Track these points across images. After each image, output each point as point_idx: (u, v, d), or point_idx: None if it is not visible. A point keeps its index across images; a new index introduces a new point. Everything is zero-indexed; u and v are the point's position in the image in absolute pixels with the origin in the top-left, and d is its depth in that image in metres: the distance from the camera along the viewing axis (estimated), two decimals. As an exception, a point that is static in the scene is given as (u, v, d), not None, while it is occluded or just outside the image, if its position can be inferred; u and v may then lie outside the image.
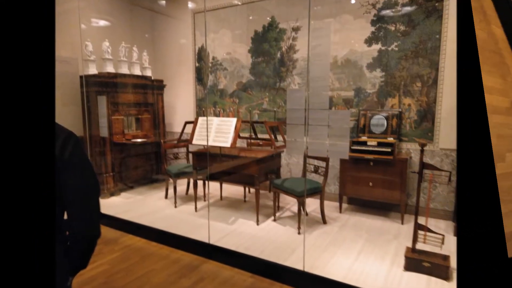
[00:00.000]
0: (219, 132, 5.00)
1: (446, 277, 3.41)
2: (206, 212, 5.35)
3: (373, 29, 5.30)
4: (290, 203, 5.83)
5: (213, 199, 6.16)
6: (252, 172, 4.81)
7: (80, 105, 6.31)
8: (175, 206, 5.73)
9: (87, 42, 6.09)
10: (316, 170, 5.14)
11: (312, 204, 5.66)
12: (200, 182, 5.80)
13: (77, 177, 1.51)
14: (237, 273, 3.77)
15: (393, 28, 5.16)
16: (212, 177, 5.34)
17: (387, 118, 5.23)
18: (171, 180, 5.89)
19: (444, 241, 3.50)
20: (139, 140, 6.59)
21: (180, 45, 7.52)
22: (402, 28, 5.10)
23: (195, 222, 5.00)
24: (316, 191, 4.79)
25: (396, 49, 5.17)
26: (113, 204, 5.93)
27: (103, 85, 6.14)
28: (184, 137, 6.02)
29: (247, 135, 6.07)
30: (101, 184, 6.15)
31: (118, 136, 6.36)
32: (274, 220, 5.06)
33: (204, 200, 6.01)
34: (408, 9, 5.01)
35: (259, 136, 5.82)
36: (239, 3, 6.58)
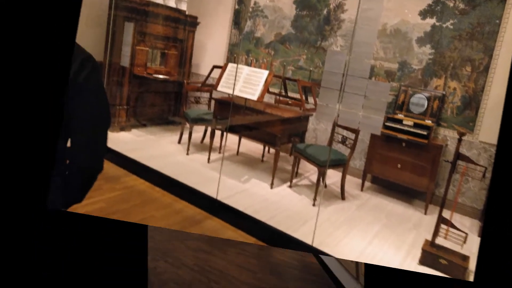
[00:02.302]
0: (247, 82, 4.94)
1: (462, 278, 3.39)
2: (219, 165, 5.36)
3: (430, 1, 5.10)
4: (310, 171, 5.80)
5: (228, 153, 6.16)
6: (275, 131, 4.78)
7: (105, 29, 6.27)
8: (187, 153, 5.76)
9: (122, -40, 6.00)
10: (343, 141, 5.07)
11: (333, 176, 5.63)
12: (218, 132, 5.80)
13: (89, 104, 1.49)
14: (241, 235, 3.80)
15: (451, 4, 4.94)
16: (232, 129, 5.33)
17: (428, 98, 5.08)
18: (187, 125, 5.88)
19: (467, 240, 3.46)
20: (161, 76, 6.56)
21: (221, -20, 7.36)
22: (461, 6, 4.88)
23: (206, 174, 5.04)
24: (340, 163, 4.75)
25: (451, 27, 4.97)
26: (121, 140, 5.99)
27: (133, 11, 6.06)
28: (210, 81, 5.98)
29: (276, 91, 6.00)
30: (113, 116, 6.18)
31: (140, 69, 6.34)
32: (290, 186, 5.06)
33: (219, 152, 6.01)
34: (473, -16, 4.81)
35: (290, 94, 5.75)
36: None
